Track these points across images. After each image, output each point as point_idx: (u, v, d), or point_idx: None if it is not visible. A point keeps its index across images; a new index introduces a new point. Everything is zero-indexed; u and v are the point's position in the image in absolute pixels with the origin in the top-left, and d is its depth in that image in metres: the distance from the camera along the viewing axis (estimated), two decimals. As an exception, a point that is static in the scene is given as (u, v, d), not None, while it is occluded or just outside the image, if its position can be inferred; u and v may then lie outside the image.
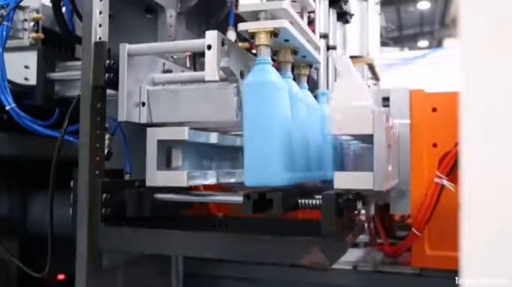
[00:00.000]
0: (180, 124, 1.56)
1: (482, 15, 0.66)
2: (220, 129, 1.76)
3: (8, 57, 1.87)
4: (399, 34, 15.43)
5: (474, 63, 0.67)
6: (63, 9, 2.16)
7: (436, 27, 15.36)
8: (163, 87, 1.68)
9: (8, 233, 2.21)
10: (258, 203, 1.35)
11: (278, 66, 1.54)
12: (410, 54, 13.94)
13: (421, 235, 2.02)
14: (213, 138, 1.67)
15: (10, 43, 1.93)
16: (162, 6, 2.21)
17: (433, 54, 13.29)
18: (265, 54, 1.40)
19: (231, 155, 1.88)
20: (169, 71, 1.81)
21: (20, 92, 1.91)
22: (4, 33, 1.88)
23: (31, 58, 1.94)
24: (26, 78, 1.97)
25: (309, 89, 1.76)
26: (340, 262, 1.95)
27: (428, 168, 2.05)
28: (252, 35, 1.41)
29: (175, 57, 2.03)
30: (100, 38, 1.61)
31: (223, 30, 1.90)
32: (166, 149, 1.56)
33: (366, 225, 2.25)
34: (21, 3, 1.96)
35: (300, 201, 1.42)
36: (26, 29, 2.04)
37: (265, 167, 1.33)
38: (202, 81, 1.53)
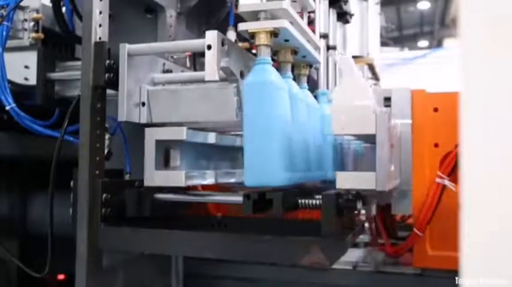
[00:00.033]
0: (180, 124, 1.56)
1: (482, 15, 0.66)
2: (220, 129, 1.76)
3: (8, 57, 1.87)
4: (399, 34, 15.43)
5: (474, 63, 0.67)
6: (63, 9, 2.16)
7: (436, 27, 15.36)
8: (163, 87, 1.68)
9: (8, 233, 2.21)
10: (258, 203, 1.35)
11: (278, 66, 1.54)
12: (410, 54, 13.94)
13: (422, 235, 2.02)
14: (211, 138, 1.67)
15: (10, 43, 1.93)
16: (162, 6, 2.21)
17: (433, 54, 13.29)
18: (265, 54, 1.40)
19: (230, 155, 1.88)
20: (169, 71, 1.81)
21: (20, 92, 1.91)
22: (4, 33, 1.88)
23: (31, 58, 1.94)
24: (26, 78, 1.97)
25: (309, 89, 1.76)
26: (340, 262, 1.95)
27: (429, 168, 2.05)
28: (252, 35, 1.41)
29: (175, 57, 2.03)
30: (100, 38, 1.61)
31: (223, 30, 1.90)
32: (164, 149, 1.57)
33: (367, 225, 2.25)
34: (21, 3, 1.96)
35: (300, 201, 1.42)
36: (26, 29, 2.04)
37: (265, 167, 1.33)
38: (202, 81, 1.53)
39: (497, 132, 0.65)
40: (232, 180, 1.78)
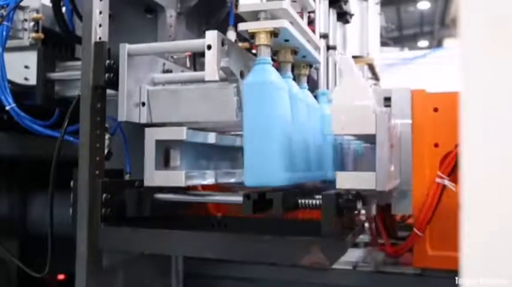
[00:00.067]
0: (180, 124, 1.56)
1: (482, 15, 0.66)
2: (220, 129, 1.76)
3: (8, 57, 1.87)
4: (399, 34, 15.43)
5: (474, 63, 0.67)
6: (63, 9, 2.16)
7: (436, 27, 15.36)
8: (163, 87, 1.68)
9: (8, 233, 2.21)
10: (258, 203, 1.35)
11: (278, 66, 1.54)
12: (410, 54, 13.94)
13: (422, 235, 2.02)
14: (211, 138, 1.67)
15: (10, 43, 1.93)
16: (162, 6, 2.21)
17: (433, 54, 13.29)
18: (265, 54, 1.40)
19: (230, 155, 1.88)
20: (169, 71, 1.81)
21: (20, 92, 1.91)
22: (4, 33, 1.88)
23: (31, 58, 1.94)
24: (26, 78, 1.97)
25: (309, 89, 1.76)
26: (340, 262, 1.95)
27: (429, 168, 2.05)
28: (252, 35, 1.41)
29: (175, 57, 2.03)
30: (100, 38, 1.61)
31: (223, 30, 1.90)
32: (164, 149, 1.57)
33: (367, 225, 2.25)
34: (21, 3, 1.96)
35: (300, 201, 1.42)
36: (26, 29, 2.04)
37: (265, 167, 1.33)
38: (202, 81, 1.53)
39: (497, 132, 0.65)
40: (232, 180, 1.78)
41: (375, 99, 1.56)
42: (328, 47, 2.15)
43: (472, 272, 0.65)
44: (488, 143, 0.66)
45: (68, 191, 1.62)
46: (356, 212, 1.40)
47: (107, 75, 1.57)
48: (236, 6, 1.96)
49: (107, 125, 1.66)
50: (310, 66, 1.80)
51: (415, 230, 2.03)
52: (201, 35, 2.11)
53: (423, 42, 16.53)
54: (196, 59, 2.21)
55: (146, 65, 1.68)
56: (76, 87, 1.80)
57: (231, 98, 1.51)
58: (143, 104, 1.62)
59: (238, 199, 1.41)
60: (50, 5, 2.11)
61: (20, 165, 2.34)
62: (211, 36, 1.43)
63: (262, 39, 1.39)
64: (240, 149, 1.86)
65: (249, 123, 1.36)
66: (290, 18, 1.45)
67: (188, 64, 2.16)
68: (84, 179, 1.55)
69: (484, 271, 0.65)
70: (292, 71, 1.65)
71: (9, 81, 1.87)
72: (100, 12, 1.62)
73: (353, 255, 2.36)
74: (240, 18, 1.48)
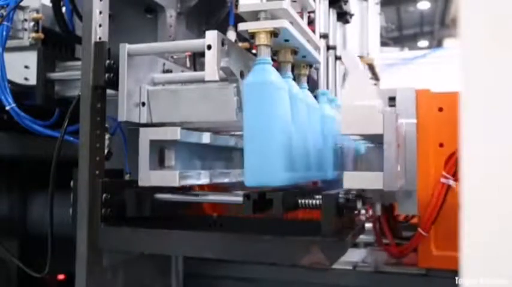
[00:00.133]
0: (181, 124, 1.56)
1: (482, 15, 0.66)
2: (220, 129, 1.76)
3: (8, 57, 1.87)
4: (399, 34, 15.43)
5: (474, 63, 0.67)
6: (63, 9, 2.16)
7: (436, 27, 15.36)
8: (163, 87, 1.68)
9: (8, 233, 2.21)
10: (258, 203, 1.35)
11: (278, 66, 1.54)
12: (410, 54, 13.93)
13: (427, 235, 2.01)
14: (206, 138, 1.67)
15: (10, 43, 1.93)
16: (162, 6, 2.21)
17: (433, 54, 13.28)
18: (265, 54, 1.40)
19: (225, 155, 1.88)
20: (169, 71, 1.81)
21: (20, 92, 1.91)
22: (4, 33, 1.88)
23: (31, 58, 1.94)
24: (26, 78, 1.97)
25: (309, 89, 1.76)
26: (340, 262, 1.95)
27: (434, 168, 2.04)
28: (252, 35, 1.41)
29: (175, 57, 2.03)
30: (100, 38, 1.61)
31: (223, 30, 1.90)
32: (159, 149, 1.56)
33: (371, 225, 2.25)
34: (21, 3, 1.96)
35: (300, 201, 1.43)
36: (26, 29, 2.04)
37: (265, 167, 1.33)
38: (202, 81, 1.53)
39: (497, 132, 0.65)
40: (226, 180, 1.78)
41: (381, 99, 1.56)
42: (328, 47, 2.15)
43: (472, 272, 0.65)
44: (488, 143, 0.66)
45: (68, 191, 1.62)
46: (356, 212, 1.40)
47: (107, 75, 1.57)
48: (236, 6, 1.96)
49: (107, 125, 1.66)
50: (310, 66, 1.80)
51: (419, 230, 2.02)
52: (201, 35, 2.11)
53: (423, 42, 16.53)
54: (196, 59, 2.21)
55: (146, 65, 1.68)
56: (76, 87, 1.80)
57: (231, 98, 1.51)
58: (143, 104, 1.61)
59: (238, 199, 1.41)
60: (50, 5, 2.11)
61: (20, 165, 2.34)
62: (211, 36, 1.43)
63: (262, 39, 1.39)
64: (235, 149, 1.86)
65: (249, 123, 1.36)
66: (290, 18, 1.45)
67: (188, 64, 2.16)
68: (84, 179, 1.55)
69: (484, 271, 0.65)
70: (292, 71, 1.65)
71: (9, 81, 1.87)
72: (100, 12, 1.62)
73: (353, 255, 2.36)
74: (240, 18, 1.48)
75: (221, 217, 1.86)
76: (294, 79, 1.64)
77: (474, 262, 0.66)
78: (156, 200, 1.60)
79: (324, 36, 2.09)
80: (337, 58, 2.19)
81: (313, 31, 1.90)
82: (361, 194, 1.41)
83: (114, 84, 1.57)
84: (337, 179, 1.74)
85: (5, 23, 1.88)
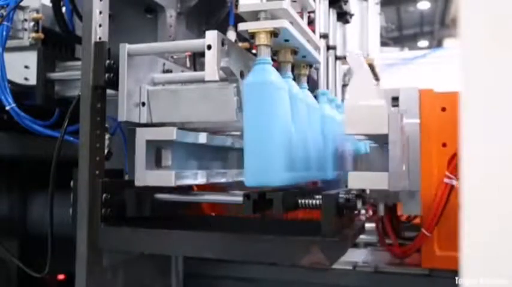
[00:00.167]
0: (180, 124, 1.56)
1: (482, 15, 0.66)
2: (220, 129, 1.76)
3: (8, 57, 1.87)
4: (399, 34, 15.42)
5: (474, 63, 0.67)
6: (63, 9, 2.16)
7: (436, 27, 15.35)
8: (163, 87, 1.68)
9: (8, 233, 2.21)
10: (258, 203, 1.35)
11: (278, 66, 1.54)
12: (410, 54, 13.91)
13: (430, 236, 2.01)
14: (202, 138, 1.67)
15: (10, 43, 1.93)
16: (162, 6, 2.21)
17: (433, 54, 13.26)
18: (265, 54, 1.40)
19: (221, 155, 1.88)
20: (169, 71, 1.81)
21: (20, 92, 1.91)
22: (4, 33, 1.88)
23: (31, 58, 1.94)
24: (26, 78, 1.97)
25: (309, 89, 1.76)
26: (340, 262, 1.95)
27: (437, 168, 2.03)
28: (252, 35, 1.41)
29: (175, 57, 2.03)
30: (100, 38, 1.61)
31: (223, 30, 1.90)
32: (155, 149, 1.56)
33: (374, 225, 2.24)
34: (21, 3, 1.96)
35: (300, 201, 1.42)
36: (26, 29, 2.04)
37: (265, 167, 1.33)
38: (202, 81, 1.53)
39: (497, 132, 0.65)
40: (223, 180, 1.77)
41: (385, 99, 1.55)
42: (328, 47, 2.15)
43: (472, 272, 0.65)
44: (488, 143, 0.66)
45: (68, 191, 1.62)
46: (356, 212, 1.40)
47: (107, 75, 1.57)
48: (236, 6, 1.96)
49: (107, 125, 1.66)
50: (310, 66, 1.80)
51: (423, 230, 2.01)
52: (201, 35, 2.11)
53: (423, 42, 16.52)
54: (196, 59, 2.21)
55: (146, 65, 1.68)
56: (76, 87, 1.80)
57: (231, 98, 1.51)
58: (143, 104, 1.61)
59: (238, 199, 1.41)
60: (50, 5, 2.11)
61: (20, 165, 2.34)
62: (211, 36, 1.43)
63: (262, 39, 1.39)
64: (231, 149, 1.85)
65: (249, 123, 1.36)
66: (290, 18, 1.45)
67: (188, 64, 2.16)
68: (84, 179, 1.55)
69: (484, 271, 0.65)
70: (292, 71, 1.65)
71: (9, 81, 1.87)
72: (100, 12, 1.62)
73: (353, 255, 2.36)
74: (240, 18, 1.48)
75: (221, 217, 1.86)
76: (294, 79, 1.64)
77: (474, 262, 0.66)
78: (156, 200, 1.60)
79: (324, 36, 2.09)
80: (337, 58, 2.19)
81: (313, 31, 1.90)
82: (361, 194, 1.41)
83: (114, 84, 1.57)
84: (337, 179, 1.74)
85: (5, 23, 1.88)
